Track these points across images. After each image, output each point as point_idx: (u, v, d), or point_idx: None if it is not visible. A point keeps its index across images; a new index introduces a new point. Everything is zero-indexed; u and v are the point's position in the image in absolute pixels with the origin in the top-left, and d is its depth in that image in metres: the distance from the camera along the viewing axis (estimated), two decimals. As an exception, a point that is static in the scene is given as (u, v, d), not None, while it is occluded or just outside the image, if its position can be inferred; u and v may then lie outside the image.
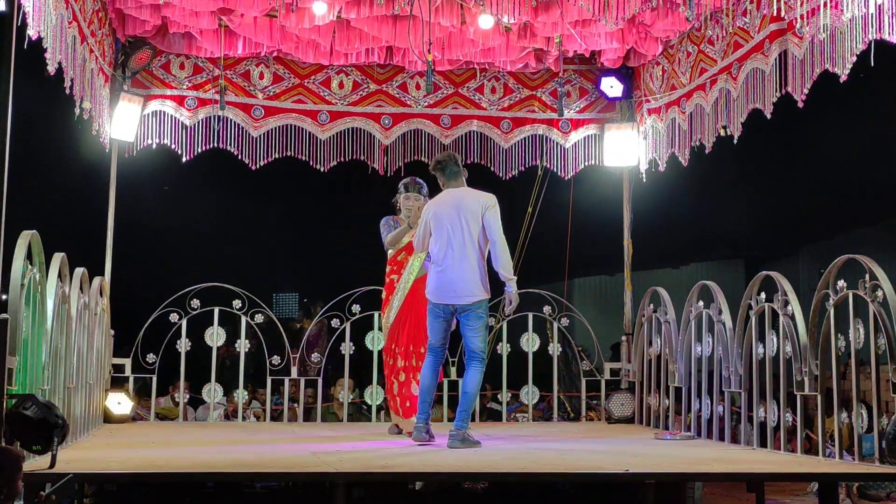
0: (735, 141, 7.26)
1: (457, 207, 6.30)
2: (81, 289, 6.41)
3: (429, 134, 8.93)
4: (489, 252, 6.31)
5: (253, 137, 8.66)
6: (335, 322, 8.46)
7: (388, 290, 7.04)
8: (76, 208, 10.35)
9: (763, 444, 6.38)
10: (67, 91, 6.42)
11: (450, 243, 6.26)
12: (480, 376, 6.30)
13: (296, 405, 8.51)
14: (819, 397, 5.80)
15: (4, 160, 4.82)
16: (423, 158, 8.83)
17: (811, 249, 14.87)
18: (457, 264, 6.24)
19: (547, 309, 8.69)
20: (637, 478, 5.09)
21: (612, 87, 8.84)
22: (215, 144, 8.61)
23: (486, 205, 6.29)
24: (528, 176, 9.21)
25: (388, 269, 7.06)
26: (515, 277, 6.33)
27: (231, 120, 8.61)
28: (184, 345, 8.19)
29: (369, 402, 8.48)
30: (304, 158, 8.78)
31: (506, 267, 6.24)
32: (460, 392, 6.40)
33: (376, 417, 8.35)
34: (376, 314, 8.10)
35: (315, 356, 8.55)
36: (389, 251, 7.09)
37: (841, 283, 5.66)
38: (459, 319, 6.33)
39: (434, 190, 6.73)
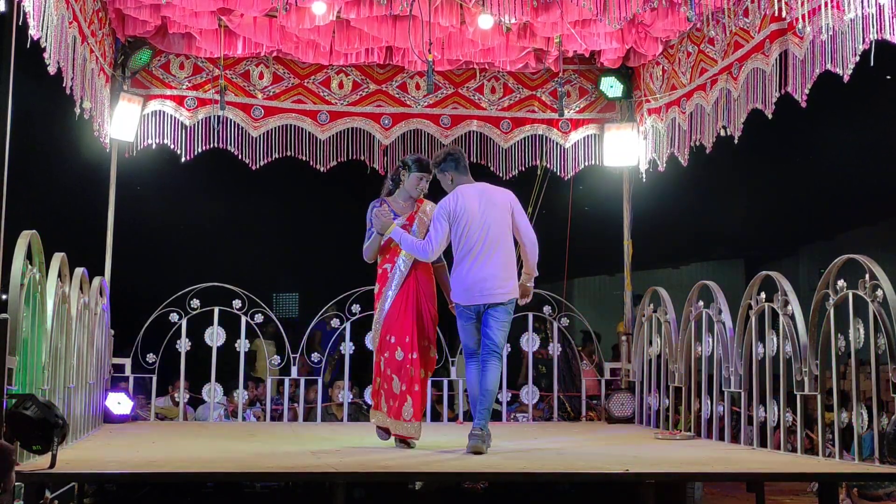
0: (735, 141, 7.26)
1: (488, 201, 5.97)
2: (81, 289, 6.41)
3: (429, 134, 8.93)
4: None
5: (253, 137, 8.66)
6: (335, 322, 8.47)
7: (380, 283, 6.29)
8: (76, 208, 10.35)
9: (763, 444, 6.38)
10: (67, 91, 6.42)
11: (486, 238, 5.89)
12: (500, 373, 6.02)
13: (296, 405, 8.52)
14: (819, 397, 5.81)
15: (4, 160, 4.83)
16: (423, 158, 8.82)
17: (811, 249, 14.87)
18: (493, 260, 5.89)
19: (547, 309, 8.69)
20: (637, 478, 5.09)
21: (612, 86, 8.84)
22: (215, 144, 8.61)
23: (512, 200, 6.06)
24: (528, 176, 9.21)
25: (380, 258, 6.34)
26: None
27: (231, 120, 8.61)
28: (184, 345, 8.20)
29: (369, 402, 8.47)
30: (303, 158, 8.78)
31: (535, 265, 6.07)
32: (480, 389, 5.91)
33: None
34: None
35: (315, 356, 8.55)
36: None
37: (841, 283, 5.66)
38: (486, 315, 5.94)
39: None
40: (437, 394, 8.58)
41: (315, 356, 8.51)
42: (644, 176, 8.75)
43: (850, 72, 5.67)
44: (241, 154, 8.66)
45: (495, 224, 5.93)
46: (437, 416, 8.53)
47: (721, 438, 6.81)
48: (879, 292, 5.30)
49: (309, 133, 8.78)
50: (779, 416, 6.16)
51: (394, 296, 6.18)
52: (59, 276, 5.70)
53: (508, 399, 8.73)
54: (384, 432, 6.28)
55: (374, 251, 6.30)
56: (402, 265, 6.19)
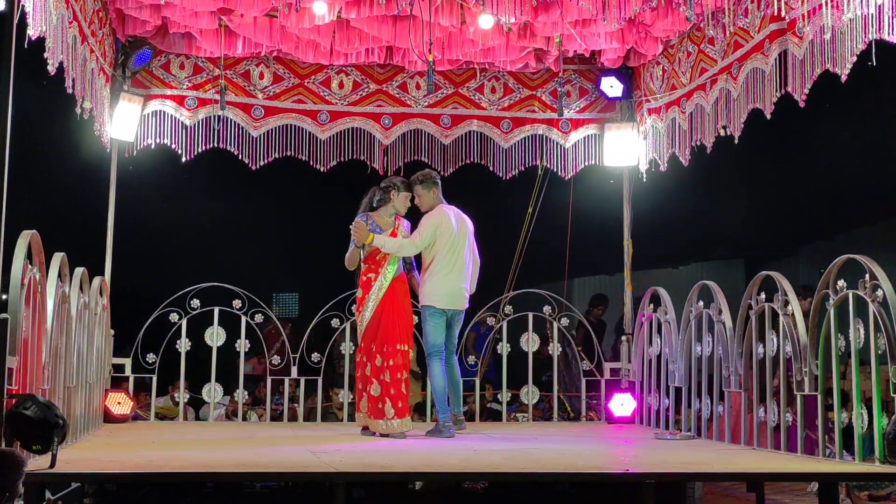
0: (735, 141, 7.26)
1: (462, 222, 7.10)
2: (81, 289, 6.41)
3: (429, 134, 8.93)
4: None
5: (253, 137, 8.66)
6: (335, 322, 8.47)
7: (364, 289, 6.92)
8: (76, 208, 10.34)
9: (763, 444, 6.38)
10: (68, 91, 6.42)
11: (461, 254, 6.99)
12: None
13: (296, 405, 8.51)
14: (819, 397, 5.80)
15: (4, 160, 4.82)
16: (422, 158, 8.84)
17: (811, 249, 14.86)
18: (467, 274, 7.05)
19: (547, 309, 8.68)
20: (637, 478, 5.09)
21: (612, 86, 8.83)
22: (215, 144, 8.61)
23: (472, 225, 7.18)
24: (528, 176, 9.20)
25: (364, 267, 6.96)
26: None
27: (231, 120, 8.61)
28: (184, 345, 8.20)
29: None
30: (304, 158, 8.78)
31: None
32: (455, 382, 7.13)
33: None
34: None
35: (315, 356, 8.54)
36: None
37: (841, 283, 5.65)
38: (452, 320, 7.08)
39: None
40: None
41: (315, 356, 8.50)
42: (644, 176, 8.75)
43: (848, 72, 5.67)
44: (241, 154, 8.65)
45: (469, 242, 7.08)
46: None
47: (721, 438, 6.80)
48: (879, 292, 5.29)
49: (309, 133, 8.78)
50: (779, 416, 6.16)
51: (375, 305, 6.85)
52: (59, 276, 5.70)
53: (508, 399, 8.72)
54: (368, 431, 6.87)
55: (354, 261, 7.02)
56: (385, 275, 6.88)
